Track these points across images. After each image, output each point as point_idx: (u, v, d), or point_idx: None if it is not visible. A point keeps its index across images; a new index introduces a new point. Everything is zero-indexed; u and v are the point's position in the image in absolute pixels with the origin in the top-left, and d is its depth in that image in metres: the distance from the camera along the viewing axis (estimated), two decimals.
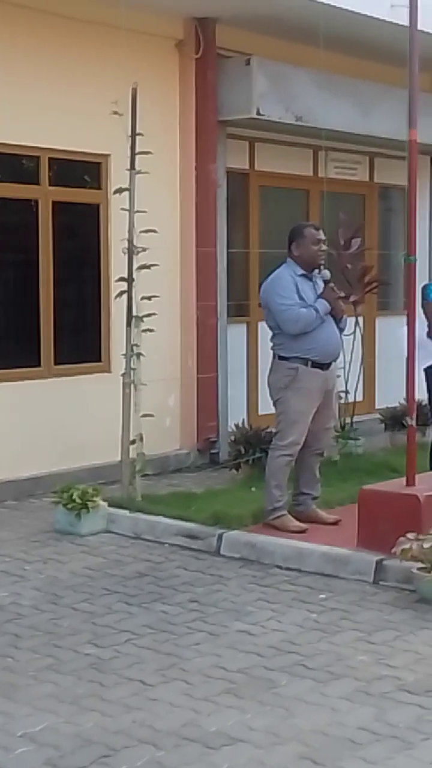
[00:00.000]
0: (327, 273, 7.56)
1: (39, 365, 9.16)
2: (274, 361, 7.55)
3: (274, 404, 7.58)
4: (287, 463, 7.49)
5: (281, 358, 7.48)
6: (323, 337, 7.40)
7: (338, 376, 9.19)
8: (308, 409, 7.42)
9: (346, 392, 9.76)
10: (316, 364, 7.40)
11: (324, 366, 7.45)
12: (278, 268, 7.59)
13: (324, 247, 7.56)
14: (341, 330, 7.64)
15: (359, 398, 10.48)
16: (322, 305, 7.40)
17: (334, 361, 7.61)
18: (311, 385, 7.39)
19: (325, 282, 7.51)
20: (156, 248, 8.35)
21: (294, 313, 7.32)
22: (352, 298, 9.78)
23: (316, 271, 7.53)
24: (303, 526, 7.37)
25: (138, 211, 8.15)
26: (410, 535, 6.32)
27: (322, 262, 7.55)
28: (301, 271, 7.49)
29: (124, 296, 8.20)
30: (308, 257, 7.47)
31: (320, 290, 7.50)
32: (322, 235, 7.56)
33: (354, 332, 9.82)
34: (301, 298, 7.39)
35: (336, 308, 7.49)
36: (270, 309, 7.49)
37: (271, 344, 7.62)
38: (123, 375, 8.19)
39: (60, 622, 5.85)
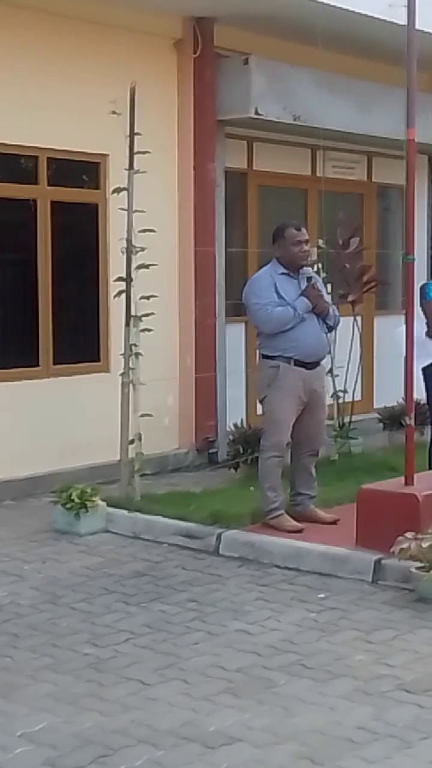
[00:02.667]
0: (309, 270, 7.51)
1: (37, 365, 9.16)
2: (259, 360, 7.57)
3: (260, 404, 7.60)
4: (277, 464, 7.47)
5: (264, 356, 7.50)
6: (302, 336, 7.35)
7: (336, 376, 9.21)
8: (291, 408, 7.40)
9: (345, 391, 9.76)
10: (299, 363, 7.38)
11: (308, 365, 7.42)
12: (262, 268, 7.60)
13: (306, 248, 7.50)
14: (330, 327, 7.60)
15: (357, 397, 10.48)
16: (302, 303, 7.36)
17: (320, 360, 7.54)
18: (293, 384, 7.35)
19: (308, 279, 7.47)
20: (154, 248, 8.35)
21: (265, 313, 7.34)
22: (350, 298, 9.78)
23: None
24: (299, 525, 7.37)
25: (136, 211, 8.15)
26: (409, 535, 6.32)
27: (304, 262, 7.51)
28: (283, 270, 7.47)
29: (123, 296, 8.20)
30: (289, 258, 7.45)
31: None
32: (304, 236, 7.50)
33: (352, 332, 9.83)
34: (280, 296, 7.36)
35: (319, 306, 7.42)
36: (248, 309, 7.54)
37: (257, 343, 7.64)
38: (122, 374, 8.19)
39: (58, 621, 5.85)
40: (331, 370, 8.66)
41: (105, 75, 9.13)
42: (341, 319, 7.89)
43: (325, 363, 7.79)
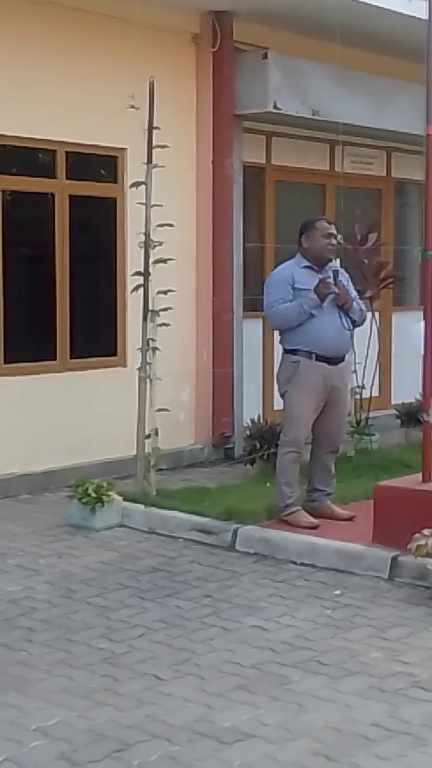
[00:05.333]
0: (335, 264, 7.51)
1: (54, 359, 9.16)
2: (282, 354, 7.57)
3: (282, 398, 7.59)
4: (294, 460, 7.46)
5: (286, 351, 7.48)
6: (320, 330, 7.31)
7: (354, 372, 9.18)
8: (310, 404, 7.38)
9: (362, 387, 9.73)
10: (320, 358, 7.36)
11: (329, 360, 7.39)
12: (285, 261, 7.59)
13: (335, 242, 7.52)
14: (354, 322, 7.52)
15: (375, 394, 10.45)
16: (309, 300, 7.30)
17: (342, 356, 7.50)
18: (313, 380, 7.33)
19: (334, 273, 7.42)
20: (172, 242, 8.35)
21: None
22: (367, 294, 9.75)
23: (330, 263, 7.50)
24: (315, 522, 7.35)
25: (154, 205, 8.14)
26: (425, 532, 6.31)
27: (331, 257, 7.51)
28: (306, 263, 7.44)
29: (140, 290, 8.19)
30: (317, 250, 7.42)
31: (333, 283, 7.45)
32: (334, 230, 7.52)
33: (370, 328, 9.80)
34: (297, 290, 7.29)
35: (340, 299, 7.35)
36: None
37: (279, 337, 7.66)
38: (138, 369, 8.19)
39: (73, 616, 5.85)
40: None
41: (123, 69, 9.10)
42: None
43: (350, 359, 7.76)
